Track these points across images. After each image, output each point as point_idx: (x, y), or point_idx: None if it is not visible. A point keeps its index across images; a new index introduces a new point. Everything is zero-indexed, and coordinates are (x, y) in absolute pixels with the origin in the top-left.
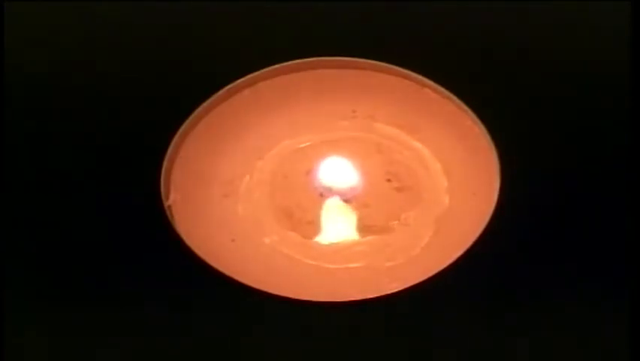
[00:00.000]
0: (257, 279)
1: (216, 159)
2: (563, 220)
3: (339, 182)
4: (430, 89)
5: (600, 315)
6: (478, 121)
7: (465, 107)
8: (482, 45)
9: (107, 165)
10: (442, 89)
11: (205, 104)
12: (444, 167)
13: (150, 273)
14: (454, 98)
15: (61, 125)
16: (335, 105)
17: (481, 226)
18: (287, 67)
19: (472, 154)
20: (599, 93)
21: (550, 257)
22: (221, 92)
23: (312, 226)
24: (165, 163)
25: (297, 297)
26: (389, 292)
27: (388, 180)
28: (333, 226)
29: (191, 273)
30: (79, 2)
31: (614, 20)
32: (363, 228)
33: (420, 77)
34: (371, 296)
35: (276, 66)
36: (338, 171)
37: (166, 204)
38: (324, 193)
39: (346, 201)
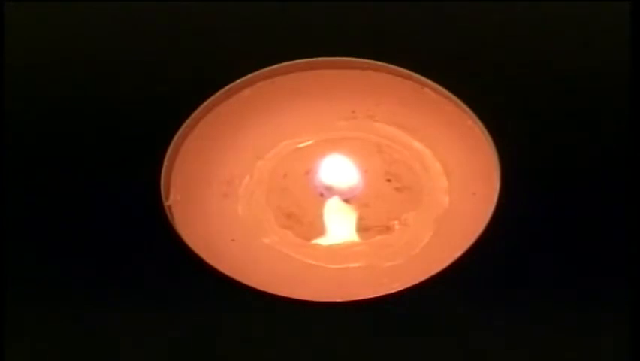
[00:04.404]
0: (257, 279)
1: (216, 159)
2: (563, 220)
3: (339, 182)
4: (430, 89)
5: (600, 315)
6: (478, 121)
7: (465, 107)
8: (482, 45)
9: (107, 165)
10: (442, 89)
11: (205, 104)
12: (444, 167)
13: (150, 273)
14: (454, 98)
15: (61, 126)
16: (335, 105)
17: (481, 226)
18: (287, 67)
19: (472, 154)
20: (599, 93)
21: (550, 257)
22: (221, 92)
23: (312, 226)
24: (165, 163)
25: (297, 297)
26: (389, 292)
27: (388, 180)
28: (334, 227)
29: (191, 273)
30: (78, 2)
31: (614, 20)
32: (363, 228)
33: (420, 77)
34: (371, 296)
35: (276, 66)
36: (338, 171)
37: (166, 204)
38: (324, 193)
39: (346, 201)
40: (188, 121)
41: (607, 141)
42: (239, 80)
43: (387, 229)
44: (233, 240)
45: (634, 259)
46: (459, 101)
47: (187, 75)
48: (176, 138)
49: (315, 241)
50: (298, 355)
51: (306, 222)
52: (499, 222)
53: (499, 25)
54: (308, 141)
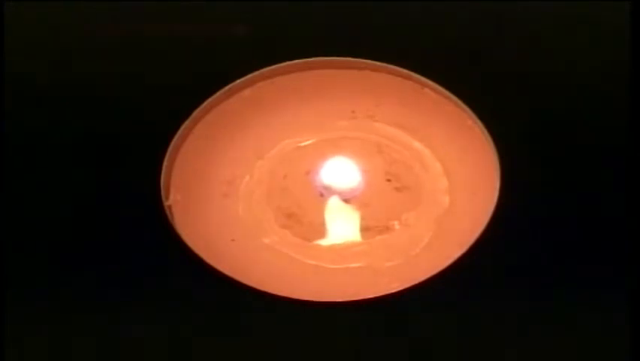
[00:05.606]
0: (257, 279)
1: (216, 159)
2: (563, 221)
3: (339, 182)
4: (430, 89)
5: (600, 315)
6: (478, 121)
7: (465, 107)
8: (482, 45)
9: (107, 165)
10: (442, 89)
11: (205, 104)
12: (444, 167)
13: (150, 273)
14: (454, 98)
15: (61, 125)
16: (335, 105)
17: (481, 225)
18: (287, 67)
19: (472, 154)
20: (600, 93)
21: (550, 257)
22: (221, 92)
23: (312, 226)
24: (165, 163)
25: (297, 297)
26: (389, 292)
27: (388, 180)
28: (334, 227)
29: (191, 273)
30: (79, 2)
31: (614, 20)
32: (364, 228)
33: (420, 77)
34: (371, 296)
35: (276, 66)
36: (338, 171)
37: (166, 204)
38: (324, 193)
39: (346, 201)
40: (188, 121)
41: (607, 141)
42: (239, 80)
43: (387, 229)
44: (233, 240)
45: (634, 259)
46: (459, 101)
47: (187, 75)
48: (176, 138)
49: (315, 242)
50: (298, 355)
51: (306, 222)
52: (499, 222)
53: (499, 25)
54: (308, 140)
